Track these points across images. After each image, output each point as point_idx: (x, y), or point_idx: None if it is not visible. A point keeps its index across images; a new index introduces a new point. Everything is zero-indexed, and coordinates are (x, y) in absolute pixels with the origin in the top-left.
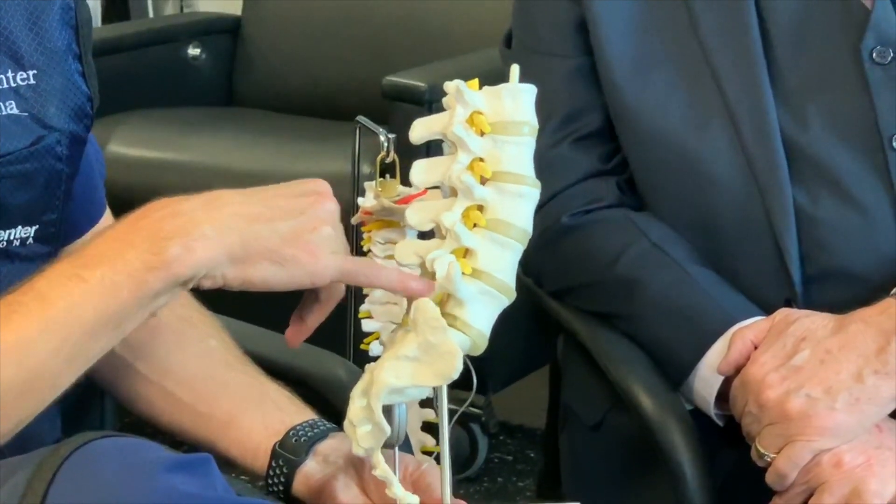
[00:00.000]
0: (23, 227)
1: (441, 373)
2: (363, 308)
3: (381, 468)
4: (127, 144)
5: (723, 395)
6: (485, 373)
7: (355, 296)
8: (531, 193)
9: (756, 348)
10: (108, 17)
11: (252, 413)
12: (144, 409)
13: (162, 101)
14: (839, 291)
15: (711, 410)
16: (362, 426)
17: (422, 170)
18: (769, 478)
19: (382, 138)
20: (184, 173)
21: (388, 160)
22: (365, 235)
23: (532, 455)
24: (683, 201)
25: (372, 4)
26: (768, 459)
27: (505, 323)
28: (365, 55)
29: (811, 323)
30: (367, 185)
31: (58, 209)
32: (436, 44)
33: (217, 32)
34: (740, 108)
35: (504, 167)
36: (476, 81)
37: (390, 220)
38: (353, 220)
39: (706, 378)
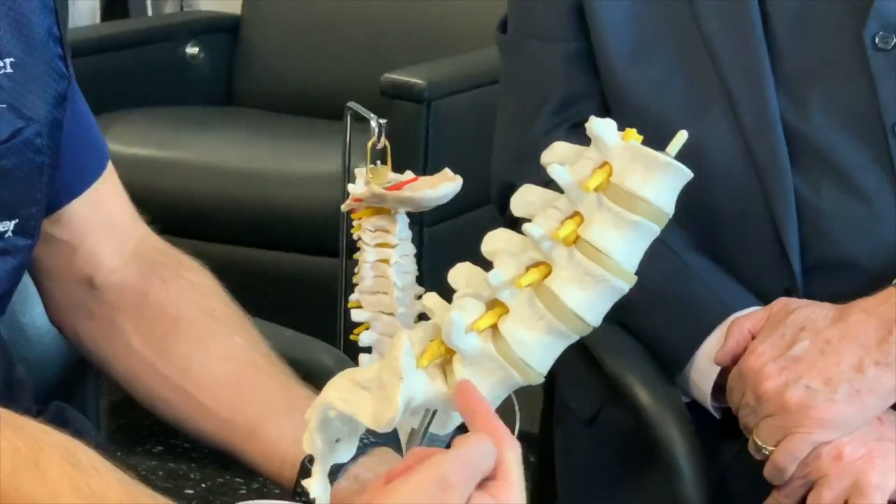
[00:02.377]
0: (0, 221)
1: (375, 416)
2: (353, 298)
3: (312, 487)
4: (123, 142)
5: (720, 387)
6: None
7: (346, 285)
8: (607, 280)
9: (754, 338)
10: (107, 15)
11: (280, 422)
12: (164, 410)
13: (160, 99)
14: (840, 282)
15: (708, 402)
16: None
17: (522, 195)
18: (767, 471)
19: (374, 124)
20: (179, 172)
21: (379, 146)
22: (355, 223)
23: (532, 460)
24: (682, 190)
25: (372, 4)
26: (766, 452)
27: None
28: (364, 55)
29: (811, 312)
30: (357, 171)
31: (38, 202)
32: (436, 44)
33: (216, 31)
34: (740, 95)
35: (590, 236)
36: (634, 131)
37: (381, 206)
38: (343, 208)
39: (703, 369)
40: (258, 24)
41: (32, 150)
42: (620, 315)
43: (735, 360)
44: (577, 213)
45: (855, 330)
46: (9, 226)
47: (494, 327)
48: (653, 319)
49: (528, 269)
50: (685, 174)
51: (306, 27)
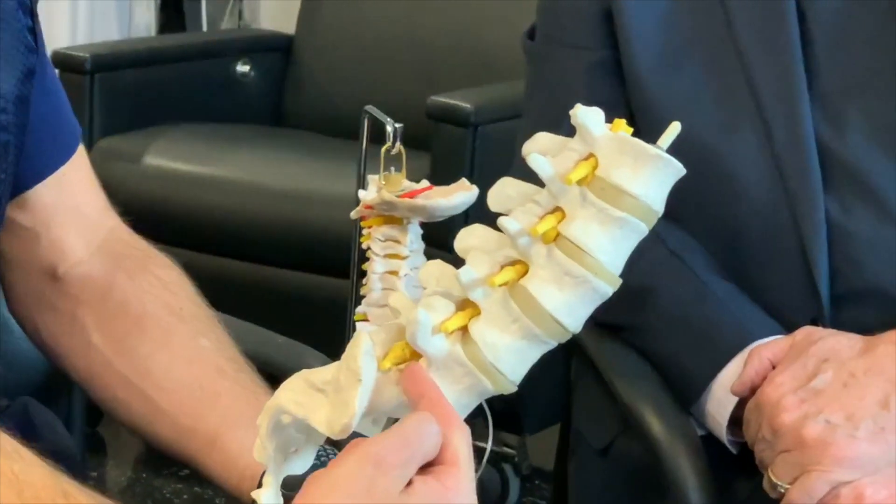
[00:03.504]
0: None
1: (330, 421)
2: (359, 310)
3: (261, 498)
4: (165, 156)
5: (737, 420)
6: (520, 412)
7: (354, 299)
8: (588, 281)
9: (774, 368)
10: (164, 30)
11: (242, 431)
12: (122, 413)
13: (208, 116)
14: (870, 312)
15: (724, 435)
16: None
17: (500, 189)
18: None
19: (389, 128)
20: (218, 188)
21: (394, 152)
22: (364, 231)
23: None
24: (706, 208)
25: (424, 30)
26: (781, 490)
27: (543, 361)
28: (415, 80)
29: (836, 343)
30: (370, 178)
31: (3, 183)
32: (487, 69)
33: (268, 50)
34: (773, 110)
35: (572, 233)
36: (623, 122)
37: (392, 215)
38: (353, 215)
39: (719, 399)
40: (310, 44)
41: None
42: (635, 338)
43: (753, 390)
44: (558, 209)
45: (882, 363)
46: None
47: (464, 329)
48: (669, 344)
49: (503, 267)
50: (677, 169)
51: (358, 49)
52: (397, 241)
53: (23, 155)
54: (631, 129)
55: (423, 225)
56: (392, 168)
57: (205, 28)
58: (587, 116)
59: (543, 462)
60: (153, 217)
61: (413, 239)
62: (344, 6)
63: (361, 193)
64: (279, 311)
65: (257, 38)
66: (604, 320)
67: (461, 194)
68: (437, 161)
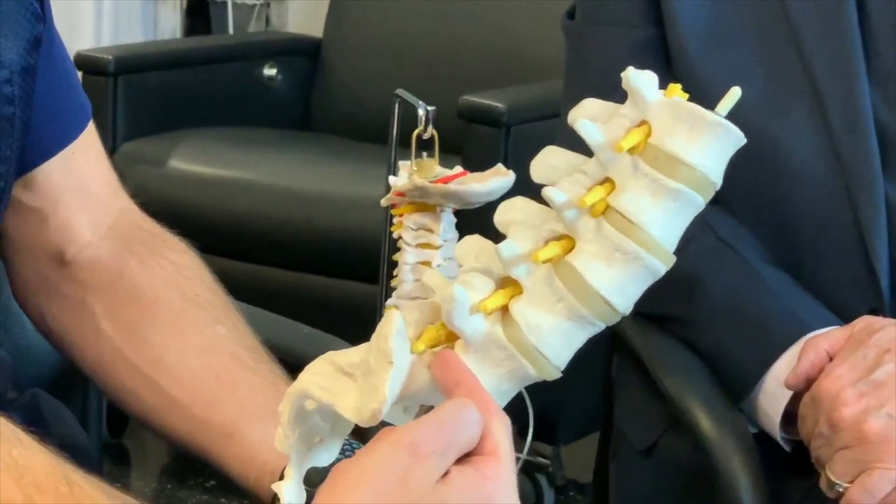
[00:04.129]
0: None
1: (358, 407)
2: (389, 302)
3: (283, 492)
4: (189, 160)
5: (791, 416)
6: (555, 421)
7: (384, 291)
8: (640, 258)
9: (831, 360)
10: (189, 32)
11: (261, 425)
12: (132, 405)
13: (234, 120)
14: None
15: (777, 432)
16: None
17: (543, 159)
18: None
19: (421, 111)
20: (244, 192)
21: (426, 136)
22: (395, 220)
23: None
24: (757, 193)
25: (454, 31)
26: (840, 490)
27: (578, 368)
28: (445, 82)
29: None
30: (401, 164)
31: (8, 160)
32: (520, 70)
33: (295, 54)
34: (829, 90)
35: (622, 205)
36: (678, 87)
37: (424, 202)
38: (383, 202)
39: (772, 393)
40: (339, 48)
41: (1, 99)
42: (682, 330)
43: (809, 383)
44: (607, 180)
45: None
46: None
47: (505, 309)
48: (718, 336)
49: (547, 242)
50: (737, 137)
51: (387, 52)
52: (430, 230)
53: (29, 130)
54: (687, 95)
55: (456, 214)
56: (424, 154)
57: (231, 31)
58: (640, 80)
59: (578, 474)
60: (178, 222)
61: (446, 227)
62: (372, 8)
63: (392, 179)
64: (306, 317)
65: (285, 42)
66: (649, 311)
67: (497, 179)
68: (469, 163)
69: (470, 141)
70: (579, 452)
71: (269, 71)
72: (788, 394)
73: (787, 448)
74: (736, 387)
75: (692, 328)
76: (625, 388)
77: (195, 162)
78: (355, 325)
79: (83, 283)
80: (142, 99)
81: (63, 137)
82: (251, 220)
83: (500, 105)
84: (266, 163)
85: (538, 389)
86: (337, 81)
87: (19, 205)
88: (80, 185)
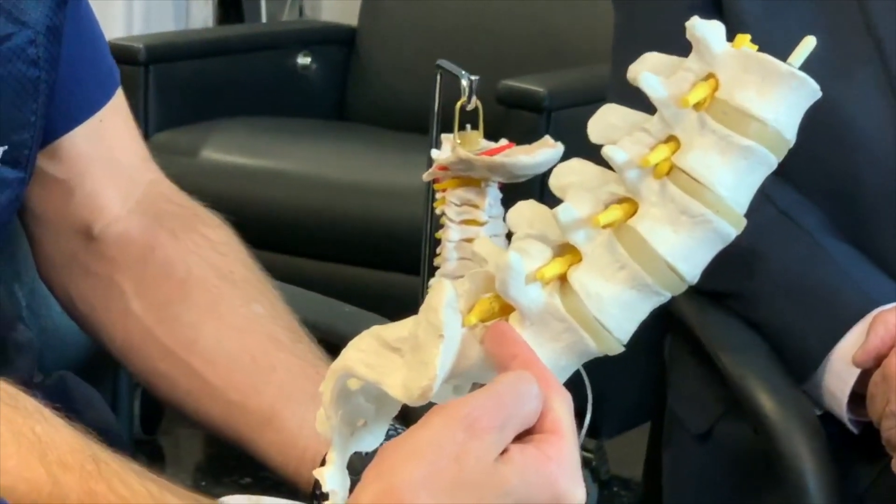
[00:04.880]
0: None
1: (407, 385)
2: (433, 282)
3: (325, 478)
4: (222, 150)
5: (859, 396)
6: (598, 414)
7: (428, 267)
8: (709, 221)
9: None
10: (222, 21)
11: (300, 408)
12: (164, 389)
13: (267, 109)
14: None
15: (844, 414)
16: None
17: (602, 117)
18: None
19: (464, 82)
20: (279, 182)
21: (470, 107)
22: (438, 195)
23: None
24: (819, 162)
25: (491, 17)
26: None
27: (622, 360)
28: (483, 69)
29: None
30: (444, 137)
31: (33, 126)
32: (560, 56)
33: (330, 42)
34: (894, 54)
35: (689, 164)
36: (747, 38)
37: (468, 176)
38: (426, 177)
39: (839, 372)
40: (374, 36)
41: (25, 60)
42: (742, 307)
43: (879, 361)
44: (672, 137)
45: None
46: None
47: (563, 278)
48: (781, 312)
49: (608, 206)
50: (812, 90)
51: (423, 39)
52: (475, 206)
53: (55, 95)
54: (756, 47)
55: (502, 189)
56: (468, 125)
57: (264, 19)
58: (706, 30)
59: (622, 469)
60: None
61: (492, 203)
62: None
63: (434, 153)
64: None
65: (319, 30)
66: (706, 287)
67: (545, 151)
68: None
69: (510, 127)
70: (624, 447)
71: (304, 60)
72: (856, 372)
73: (854, 430)
74: (799, 365)
75: (753, 305)
76: (679, 371)
77: (229, 152)
78: (394, 316)
79: (111, 259)
80: (174, 89)
81: (90, 104)
82: (286, 211)
83: (540, 89)
84: (301, 153)
85: (582, 382)
86: (372, 70)
87: (44, 176)
88: (109, 156)
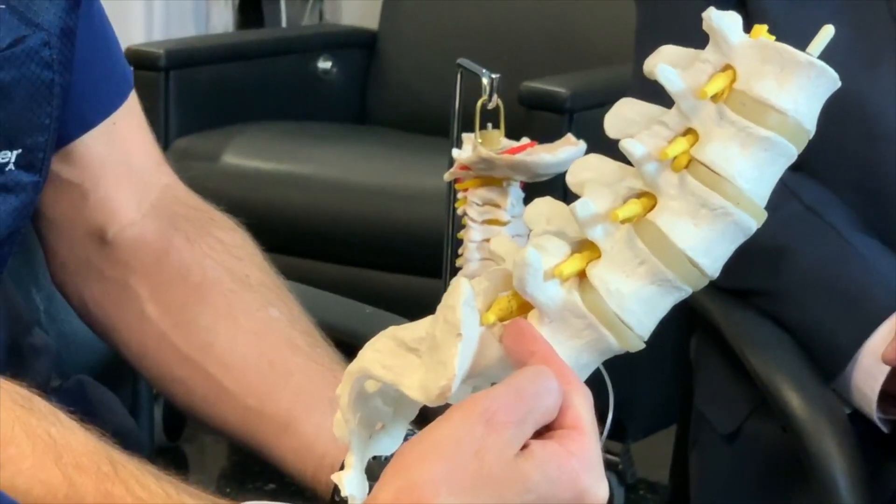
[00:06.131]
0: (0, 150)
1: (425, 385)
2: (453, 282)
3: (344, 482)
4: (243, 154)
5: (889, 394)
6: (624, 416)
7: (450, 268)
8: (729, 214)
9: None
10: (241, 25)
11: (318, 415)
12: (180, 394)
13: (288, 114)
14: None
15: (874, 412)
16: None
17: (618, 111)
18: None
19: (485, 80)
20: (300, 187)
21: (491, 106)
22: (460, 195)
23: None
24: (845, 156)
25: (511, 19)
26: None
27: (648, 362)
28: (504, 72)
29: None
30: (465, 136)
31: (47, 129)
32: (581, 59)
33: (351, 46)
34: None
35: (707, 156)
36: (765, 28)
37: (490, 176)
38: (447, 176)
39: (868, 369)
40: (395, 39)
41: (38, 63)
42: (769, 304)
43: None
44: (690, 130)
45: None
46: (10, 156)
47: (582, 274)
48: (809, 309)
49: (626, 200)
50: (832, 79)
51: (444, 42)
52: (496, 205)
53: (69, 98)
54: (774, 37)
55: (524, 188)
56: (489, 124)
57: (284, 24)
58: (723, 20)
59: (649, 472)
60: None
61: (514, 202)
62: None
63: (455, 152)
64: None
65: (339, 34)
66: (732, 285)
67: (567, 149)
68: None
69: (532, 128)
70: (650, 449)
71: (324, 64)
72: (886, 370)
73: (884, 429)
74: (828, 363)
75: (780, 302)
76: (705, 370)
77: (250, 157)
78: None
79: (126, 263)
80: (194, 94)
81: (105, 107)
82: (308, 215)
83: (563, 90)
84: (322, 157)
85: (605, 383)
86: (393, 73)
87: (58, 179)
88: (123, 159)
